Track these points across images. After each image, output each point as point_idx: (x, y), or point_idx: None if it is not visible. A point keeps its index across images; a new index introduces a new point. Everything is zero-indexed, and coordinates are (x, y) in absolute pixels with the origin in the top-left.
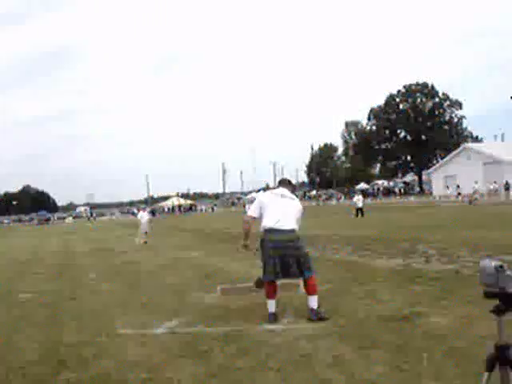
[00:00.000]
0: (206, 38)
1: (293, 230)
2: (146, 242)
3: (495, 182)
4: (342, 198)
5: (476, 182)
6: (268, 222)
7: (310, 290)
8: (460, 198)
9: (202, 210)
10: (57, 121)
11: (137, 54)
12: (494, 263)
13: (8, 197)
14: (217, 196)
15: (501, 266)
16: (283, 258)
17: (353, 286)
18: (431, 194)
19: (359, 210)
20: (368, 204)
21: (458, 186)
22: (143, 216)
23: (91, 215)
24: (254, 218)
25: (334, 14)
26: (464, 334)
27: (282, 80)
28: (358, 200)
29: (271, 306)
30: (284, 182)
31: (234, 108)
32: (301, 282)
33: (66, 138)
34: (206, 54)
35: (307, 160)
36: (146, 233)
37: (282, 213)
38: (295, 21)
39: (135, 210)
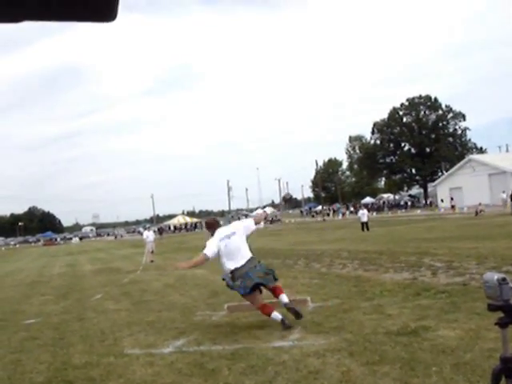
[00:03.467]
0: (209, 56)
1: (251, 258)
2: (152, 261)
3: (504, 192)
4: (347, 212)
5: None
6: (231, 265)
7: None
8: (452, 210)
9: None
10: (62, 142)
11: (139, 74)
12: (496, 276)
13: (14, 218)
14: (222, 213)
15: (503, 279)
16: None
17: (360, 300)
18: (437, 206)
19: (364, 224)
20: (374, 218)
21: (452, 199)
22: (149, 235)
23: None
24: (209, 258)
25: (337, 27)
26: (472, 347)
27: (285, 96)
28: (363, 214)
29: (276, 316)
30: (217, 223)
31: (238, 125)
32: (309, 298)
33: (71, 158)
34: (209, 72)
35: (312, 175)
36: (153, 252)
37: (237, 251)
38: (299, 36)
39: (141, 230)
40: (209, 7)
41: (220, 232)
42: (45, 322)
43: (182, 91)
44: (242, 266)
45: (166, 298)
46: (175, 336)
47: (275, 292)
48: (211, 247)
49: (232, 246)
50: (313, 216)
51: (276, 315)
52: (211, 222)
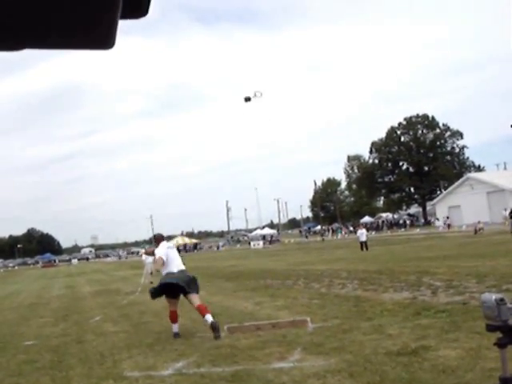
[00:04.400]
0: (207, 78)
1: (183, 270)
2: (151, 282)
3: (505, 210)
4: (347, 232)
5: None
6: (168, 269)
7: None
8: (448, 229)
9: (210, 247)
10: (60, 163)
11: (138, 95)
12: (494, 296)
13: (13, 240)
14: (221, 234)
15: (501, 299)
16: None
17: (360, 321)
18: (435, 224)
19: (363, 244)
20: (373, 237)
21: (448, 218)
22: (147, 257)
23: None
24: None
25: (335, 47)
26: (473, 367)
27: (284, 116)
28: (362, 234)
29: (175, 328)
30: (163, 238)
31: (237, 145)
32: (309, 319)
33: (70, 180)
34: (208, 93)
35: (311, 195)
36: (152, 273)
37: (175, 259)
38: (296, 56)
39: (140, 250)
40: (208, 30)
41: (165, 244)
42: (43, 345)
43: (181, 112)
44: (175, 272)
45: (165, 319)
46: (175, 358)
47: (201, 312)
48: (163, 252)
49: (172, 255)
50: (306, 236)
51: (175, 327)
52: (159, 236)
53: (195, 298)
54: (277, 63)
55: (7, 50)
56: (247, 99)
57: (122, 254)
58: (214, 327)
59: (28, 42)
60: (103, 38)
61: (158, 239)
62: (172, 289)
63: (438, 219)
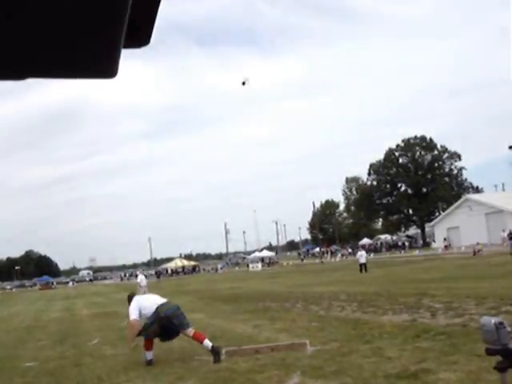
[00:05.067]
0: (205, 100)
1: (165, 302)
2: None
3: (503, 231)
4: (346, 254)
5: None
6: (154, 308)
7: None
8: (445, 251)
9: (210, 270)
10: (58, 185)
11: (136, 117)
12: (493, 320)
13: (11, 262)
14: (220, 256)
15: (501, 323)
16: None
17: (359, 343)
18: (432, 246)
19: (363, 266)
20: (372, 259)
21: (445, 239)
22: (142, 279)
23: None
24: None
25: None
26: None
27: (281, 138)
28: (361, 256)
29: (148, 355)
30: (133, 296)
31: (235, 168)
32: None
33: (68, 202)
34: (206, 115)
35: (309, 217)
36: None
37: (152, 300)
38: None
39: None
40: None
41: (136, 299)
42: (41, 368)
43: (180, 135)
44: (162, 304)
45: (164, 342)
46: (173, 381)
47: (198, 340)
48: (134, 311)
49: (145, 301)
50: (302, 260)
51: (149, 355)
52: (130, 295)
53: (187, 331)
54: (274, 84)
55: (10, 79)
56: (243, 83)
57: (123, 275)
58: (216, 352)
59: (31, 72)
60: (106, 68)
61: (129, 298)
62: (167, 332)
63: (434, 241)
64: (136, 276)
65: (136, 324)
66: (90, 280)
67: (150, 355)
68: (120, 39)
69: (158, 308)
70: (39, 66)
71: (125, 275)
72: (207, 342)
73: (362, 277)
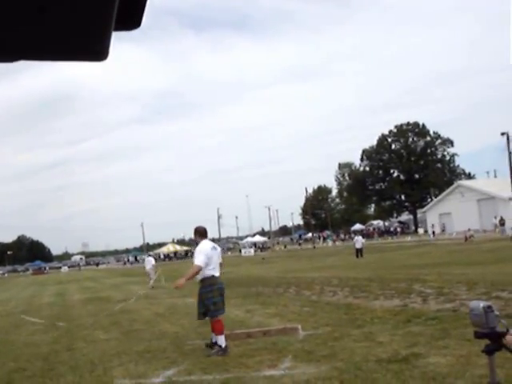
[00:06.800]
0: (200, 85)
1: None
2: (152, 287)
3: (495, 218)
4: (338, 239)
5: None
6: (212, 271)
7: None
8: (434, 237)
9: None
10: (51, 170)
11: (130, 101)
12: (482, 304)
13: (3, 247)
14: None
15: (489, 307)
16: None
17: (351, 328)
18: (426, 232)
19: (359, 251)
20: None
21: (433, 225)
22: (149, 261)
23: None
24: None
25: (327, 54)
26: (463, 374)
27: (275, 123)
28: (357, 241)
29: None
30: (206, 233)
31: (228, 153)
32: (300, 326)
33: (61, 187)
34: (199, 100)
35: (302, 203)
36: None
37: (216, 263)
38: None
39: (130, 257)
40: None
41: (208, 243)
42: (34, 353)
43: (172, 119)
44: (218, 277)
45: (157, 327)
46: (166, 366)
47: (217, 328)
48: (202, 258)
49: (216, 258)
50: (299, 244)
51: (222, 339)
52: (203, 230)
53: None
54: (267, 70)
55: (3, 61)
56: None
57: (126, 259)
58: (213, 348)
59: (22, 54)
60: (97, 51)
61: (202, 233)
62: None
63: (420, 227)
64: (129, 260)
65: (198, 272)
66: (87, 264)
67: (223, 340)
68: (111, 21)
69: (218, 277)
70: (30, 48)
71: (128, 260)
72: (217, 337)
73: (354, 262)
